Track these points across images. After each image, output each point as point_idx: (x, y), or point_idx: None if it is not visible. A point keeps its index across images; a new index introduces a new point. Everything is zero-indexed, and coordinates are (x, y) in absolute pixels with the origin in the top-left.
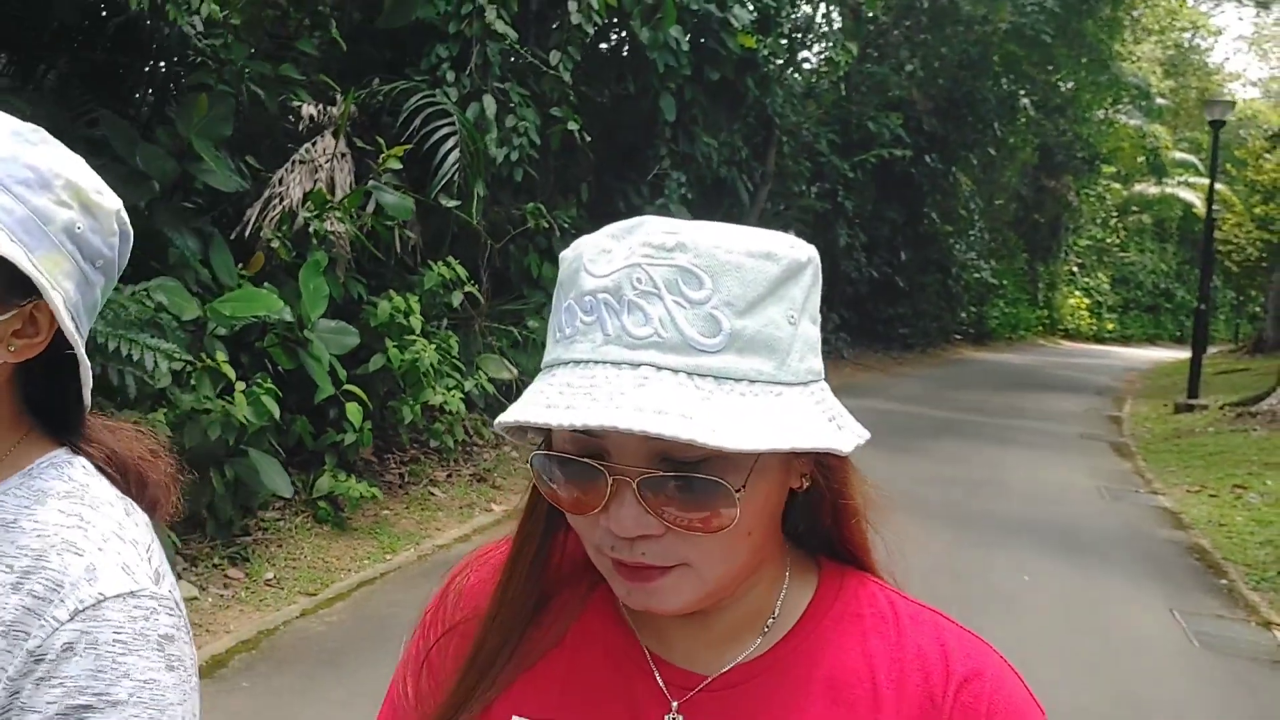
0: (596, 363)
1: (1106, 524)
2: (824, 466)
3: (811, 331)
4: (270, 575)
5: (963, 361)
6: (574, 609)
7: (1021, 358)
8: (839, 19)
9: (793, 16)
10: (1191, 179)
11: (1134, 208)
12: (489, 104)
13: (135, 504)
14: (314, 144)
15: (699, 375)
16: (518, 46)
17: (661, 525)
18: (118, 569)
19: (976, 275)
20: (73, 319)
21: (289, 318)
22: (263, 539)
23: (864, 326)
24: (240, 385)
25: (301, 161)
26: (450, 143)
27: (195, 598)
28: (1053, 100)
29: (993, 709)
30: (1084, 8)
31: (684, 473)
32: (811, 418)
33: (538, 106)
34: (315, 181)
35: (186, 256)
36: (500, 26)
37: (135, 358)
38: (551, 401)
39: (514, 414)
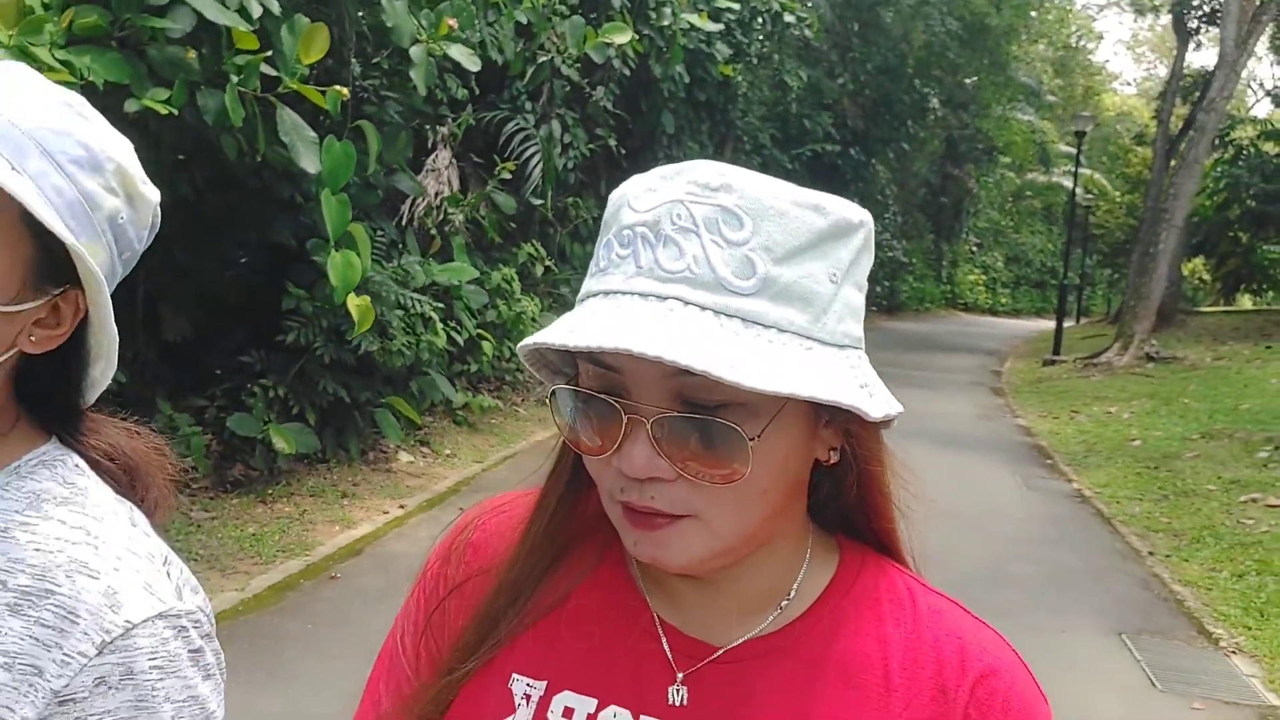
0: (625, 294)
1: (979, 433)
2: (852, 437)
3: (855, 298)
4: (448, 451)
5: (877, 329)
6: (585, 567)
7: (927, 326)
8: (791, 43)
9: (759, 49)
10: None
11: (1027, 193)
12: (555, 126)
13: (135, 507)
14: (435, 157)
15: (726, 315)
16: (577, 82)
17: (673, 470)
18: (140, 590)
19: (890, 254)
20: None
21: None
22: (431, 431)
23: None
24: (440, 325)
25: (430, 170)
26: (535, 156)
27: (413, 461)
28: (957, 97)
29: (1008, 705)
30: (985, 21)
31: (699, 415)
32: (841, 377)
33: (585, 126)
34: (439, 184)
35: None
36: (566, 69)
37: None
38: (574, 326)
39: (534, 337)
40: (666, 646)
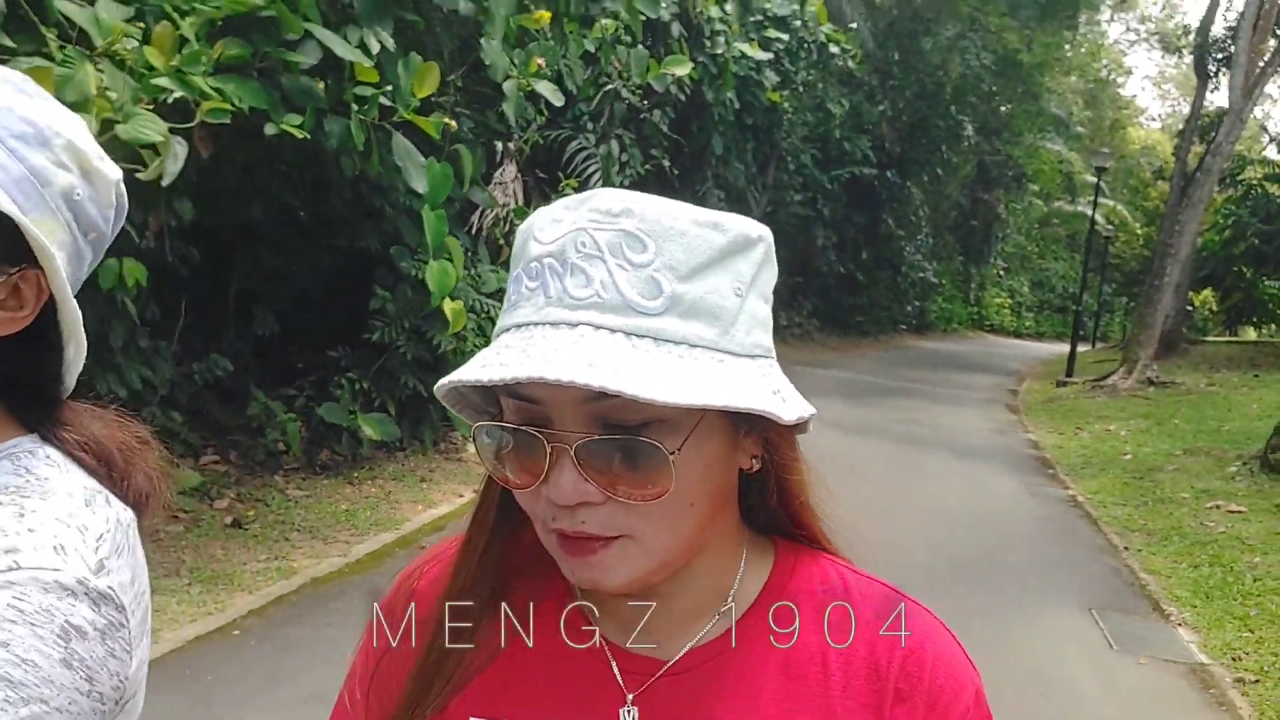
0: (536, 324)
1: (993, 445)
2: (769, 445)
3: (761, 309)
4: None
5: (907, 347)
6: (531, 603)
7: (953, 346)
8: (835, 71)
9: (805, 76)
10: (1100, 200)
11: (1054, 220)
12: (614, 146)
13: (115, 497)
14: (502, 171)
15: (637, 335)
16: (636, 105)
17: (601, 493)
18: (47, 547)
19: (921, 274)
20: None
21: None
22: None
23: (831, 314)
24: None
25: (498, 183)
26: (595, 173)
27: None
28: (991, 124)
29: (935, 674)
30: (1017, 57)
31: (620, 435)
32: (753, 385)
33: (641, 146)
34: (506, 197)
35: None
36: (625, 93)
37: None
38: (488, 361)
39: (449, 377)
40: (615, 668)
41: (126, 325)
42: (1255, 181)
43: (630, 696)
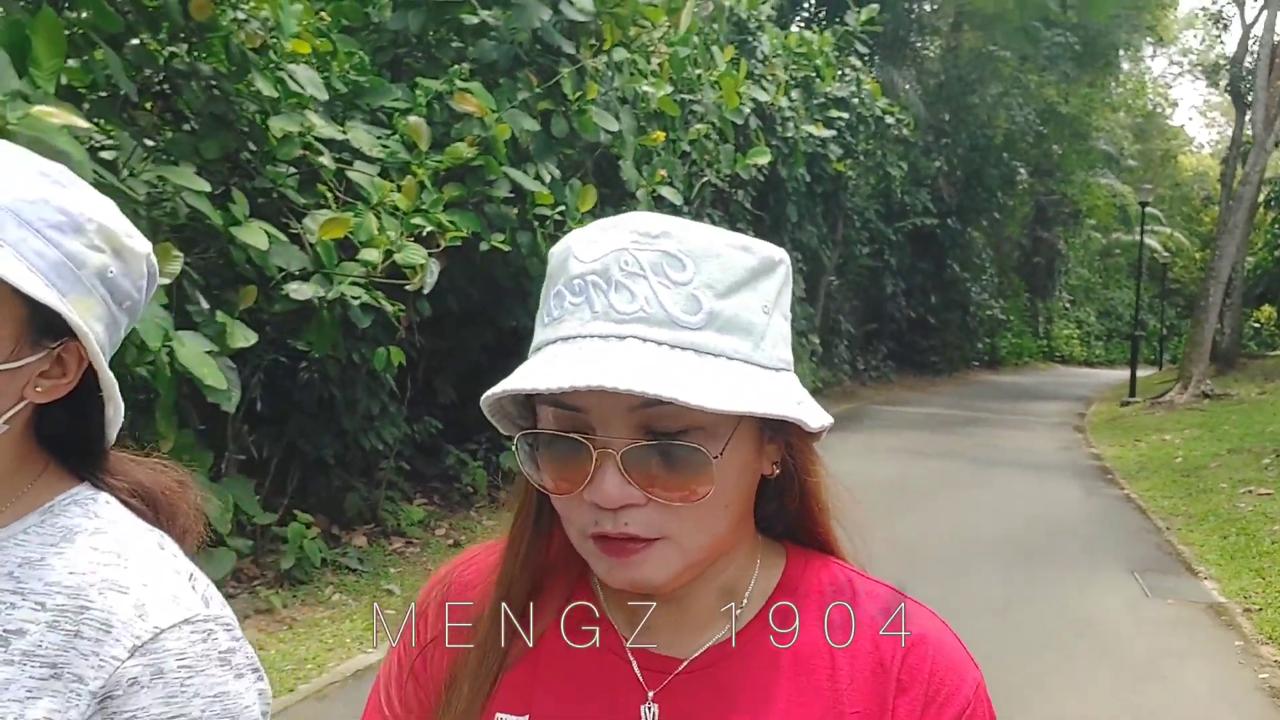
0: (585, 337)
1: (1058, 459)
2: (792, 450)
3: (783, 325)
4: None
5: (980, 382)
6: (556, 605)
7: (1025, 378)
8: (891, 139)
9: (865, 146)
10: (1156, 228)
11: (1116, 251)
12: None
13: (166, 535)
14: None
15: (680, 348)
16: (723, 188)
17: (644, 495)
18: (167, 600)
19: (989, 312)
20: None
21: None
22: None
23: (905, 356)
24: None
25: None
26: None
27: None
28: (1043, 166)
29: (935, 668)
30: (1057, 109)
31: (665, 442)
32: (781, 395)
33: (729, 222)
34: None
35: None
36: (716, 180)
37: None
38: (537, 370)
39: (501, 385)
40: (635, 667)
41: (386, 397)
42: None
43: (651, 694)
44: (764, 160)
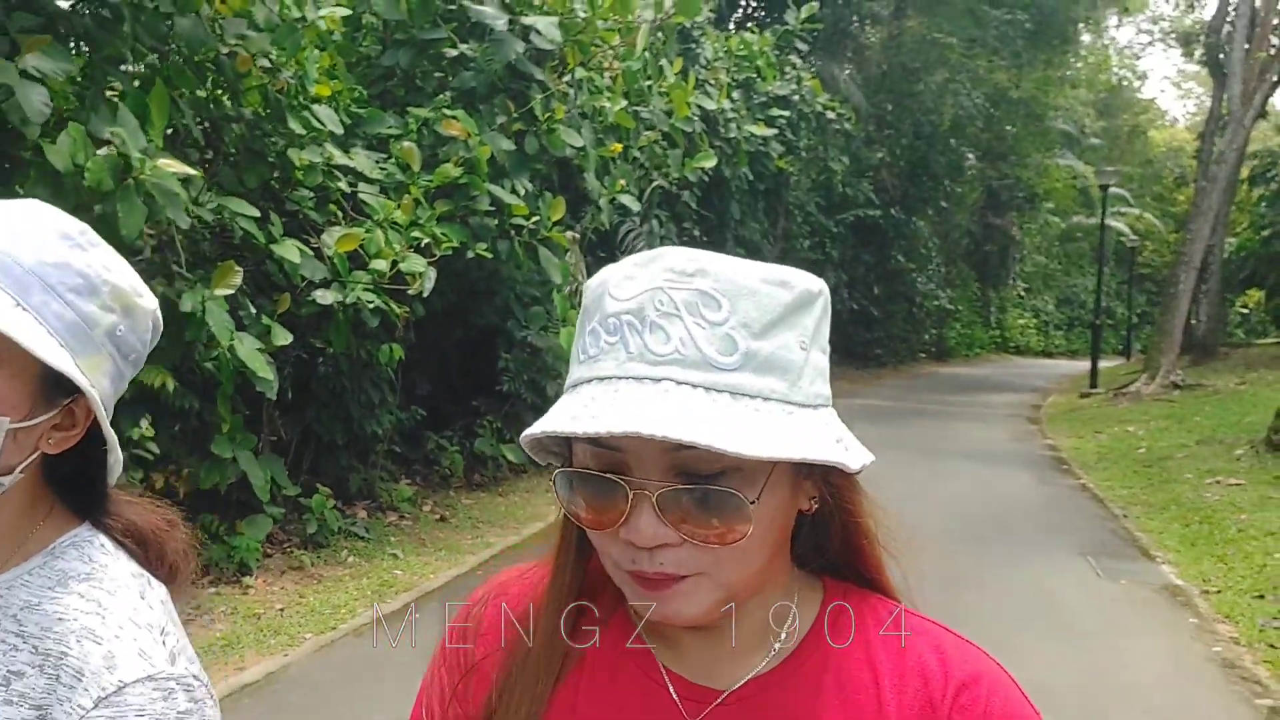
0: (620, 378)
1: (1009, 450)
2: (832, 487)
3: (821, 360)
4: None
5: (927, 374)
6: (597, 627)
7: (976, 370)
8: (833, 135)
9: (807, 143)
10: (1123, 209)
11: (1077, 235)
12: (655, 224)
13: (153, 577)
14: (569, 253)
15: (716, 390)
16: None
17: (679, 536)
18: (135, 655)
19: (935, 303)
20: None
21: None
22: None
23: (848, 348)
24: None
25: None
26: (641, 246)
27: None
28: (995, 149)
29: (989, 711)
30: (1008, 94)
31: (701, 485)
32: (820, 436)
33: (675, 221)
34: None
35: None
36: (664, 184)
37: None
38: (576, 414)
39: (541, 425)
40: (675, 695)
41: (386, 388)
42: None
43: None
44: (710, 164)
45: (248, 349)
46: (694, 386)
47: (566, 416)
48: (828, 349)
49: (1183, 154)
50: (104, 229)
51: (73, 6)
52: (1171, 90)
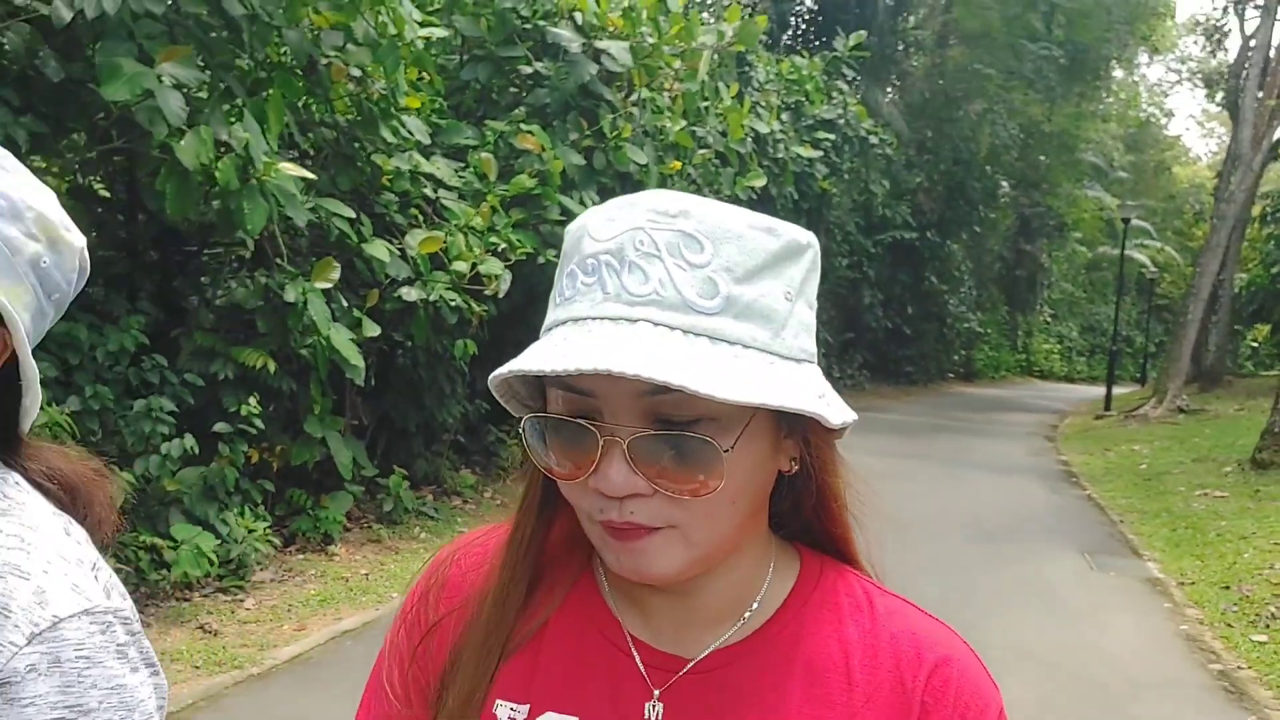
0: (595, 319)
1: (1025, 464)
2: (810, 447)
3: (807, 315)
4: None
5: (955, 394)
6: (560, 593)
7: (1001, 392)
8: (875, 160)
9: (850, 166)
10: (1146, 241)
11: (1103, 265)
12: None
13: (74, 521)
14: None
15: (694, 334)
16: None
17: (650, 486)
18: (67, 589)
19: (966, 324)
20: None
21: None
22: None
23: (880, 365)
24: None
25: None
26: None
27: None
28: (1029, 178)
29: (960, 691)
30: (1042, 124)
31: (673, 431)
32: (801, 388)
33: None
34: None
35: None
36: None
37: None
38: (546, 353)
39: (509, 365)
40: (640, 663)
41: (458, 380)
42: None
43: (657, 692)
44: (760, 183)
45: (341, 338)
46: (671, 328)
47: (536, 356)
48: (814, 305)
49: (1203, 191)
50: (227, 222)
51: (194, 17)
52: (1196, 129)
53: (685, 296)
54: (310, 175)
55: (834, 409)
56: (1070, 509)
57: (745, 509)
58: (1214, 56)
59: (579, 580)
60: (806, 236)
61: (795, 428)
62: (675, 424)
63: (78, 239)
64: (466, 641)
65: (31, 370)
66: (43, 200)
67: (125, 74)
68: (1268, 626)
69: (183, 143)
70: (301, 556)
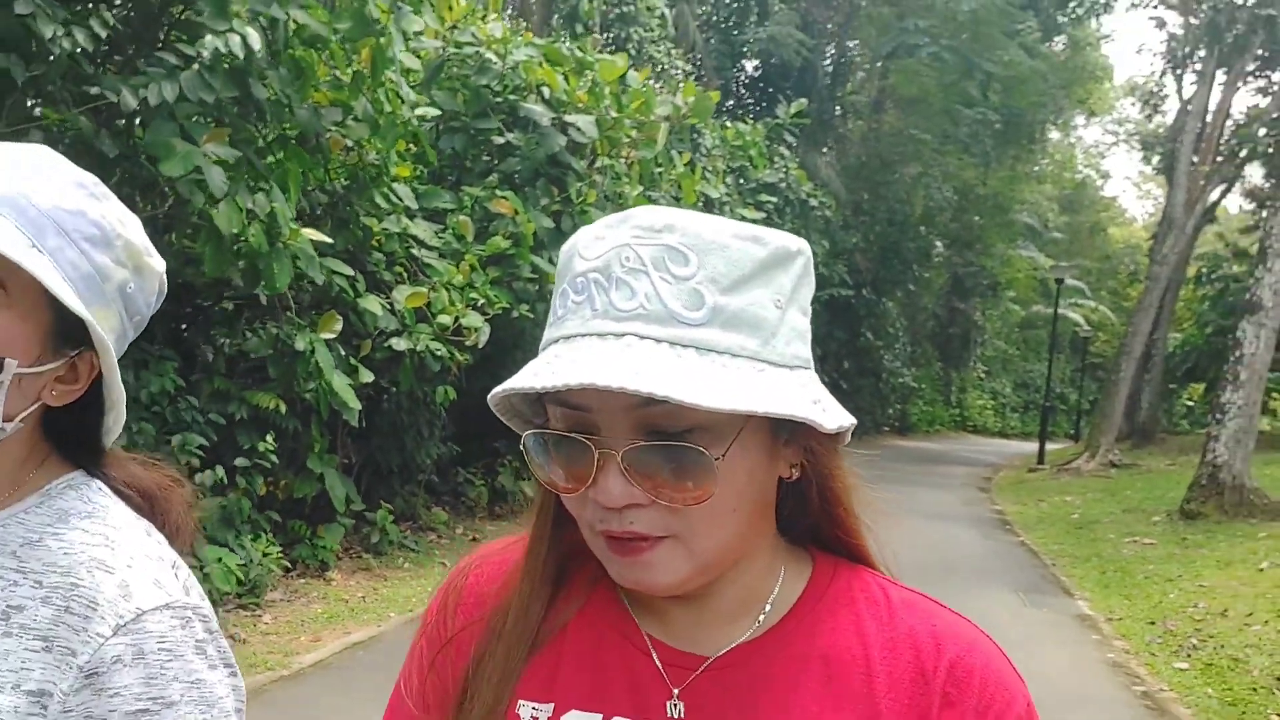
0: (585, 335)
1: (960, 512)
2: (811, 454)
3: (800, 321)
4: None
5: (891, 447)
6: (578, 599)
7: (936, 445)
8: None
9: (791, 227)
10: (1080, 301)
11: (1038, 323)
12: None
13: (153, 526)
14: None
15: (681, 345)
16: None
17: (646, 496)
18: (150, 584)
19: (900, 380)
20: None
21: None
22: None
23: None
24: None
25: None
26: None
27: None
28: (962, 238)
29: (984, 680)
30: (976, 188)
31: (665, 442)
32: (793, 394)
33: None
34: None
35: None
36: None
37: None
38: (538, 371)
39: (506, 384)
40: (659, 662)
41: (436, 424)
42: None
43: (676, 691)
44: None
45: (341, 384)
46: (658, 341)
47: (529, 374)
48: (809, 311)
49: (1139, 251)
50: (253, 278)
51: (218, 100)
52: (1132, 190)
53: (670, 309)
54: (327, 239)
55: (829, 414)
56: (1005, 553)
57: (746, 516)
58: (1150, 120)
59: (597, 586)
60: (797, 244)
61: (794, 434)
62: (668, 434)
63: (159, 264)
64: (489, 649)
65: (118, 390)
66: (130, 227)
67: (178, 153)
68: (1189, 656)
69: (219, 210)
70: (303, 580)
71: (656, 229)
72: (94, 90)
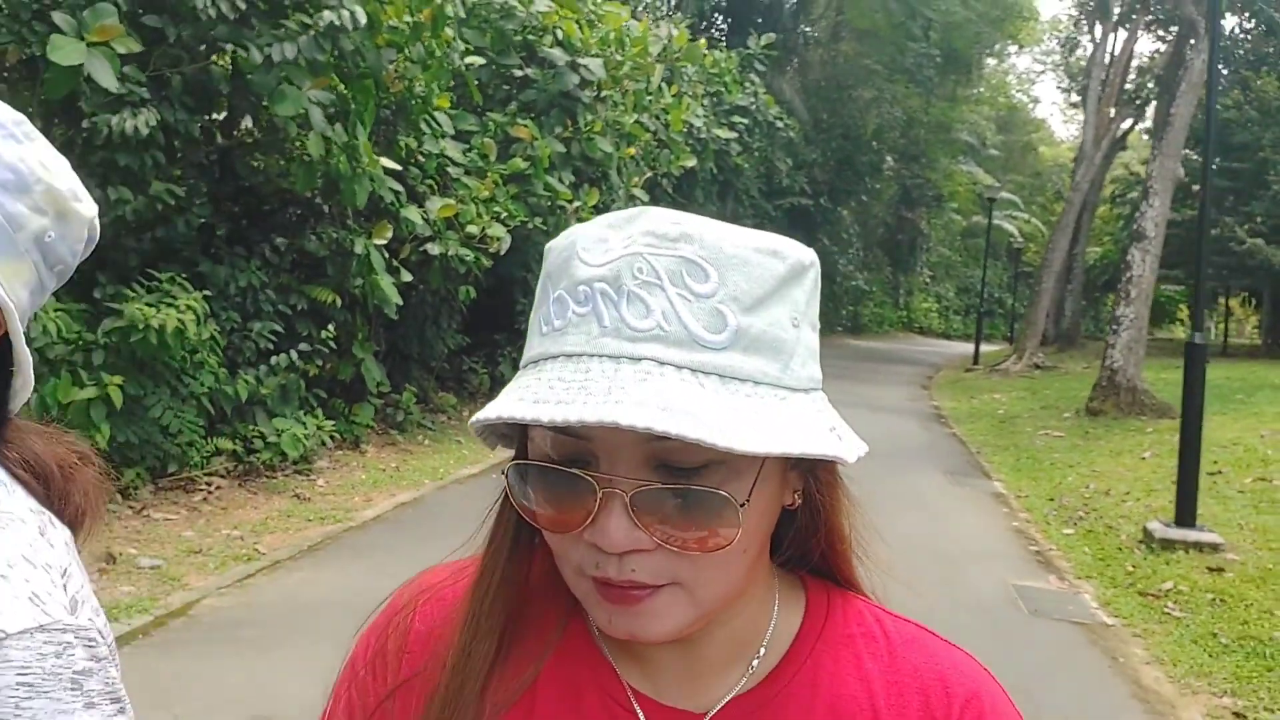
0: (591, 355)
1: (902, 407)
2: (818, 481)
3: (812, 338)
4: None
5: (843, 345)
6: (547, 644)
7: (884, 345)
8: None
9: (759, 145)
10: (1015, 213)
11: (977, 232)
12: (636, 202)
13: (55, 517)
14: None
15: (703, 373)
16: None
17: (654, 541)
18: (24, 600)
19: (853, 283)
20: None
21: None
22: None
23: None
24: None
25: None
26: None
27: None
28: (909, 152)
29: None
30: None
31: (683, 483)
32: (815, 425)
33: (651, 201)
34: None
35: None
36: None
37: None
38: (540, 397)
39: (498, 409)
40: None
41: (455, 319)
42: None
43: None
44: (691, 163)
45: (386, 281)
46: (678, 368)
47: (529, 400)
48: (818, 326)
49: (1065, 170)
50: (334, 197)
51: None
52: (1059, 114)
53: (691, 331)
54: (396, 166)
55: (847, 443)
56: (938, 443)
57: (754, 555)
58: (1070, 54)
59: (568, 626)
60: (809, 255)
61: (802, 460)
62: (680, 471)
63: (88, 209)
64: (436, 709)
65: (24, 355)
66: (54, 171)
67: (288, 97)
68: (1075, 524)
69: (310, 138)
70: (341, 452)
71: (671, 238)
72: (229, 46)
